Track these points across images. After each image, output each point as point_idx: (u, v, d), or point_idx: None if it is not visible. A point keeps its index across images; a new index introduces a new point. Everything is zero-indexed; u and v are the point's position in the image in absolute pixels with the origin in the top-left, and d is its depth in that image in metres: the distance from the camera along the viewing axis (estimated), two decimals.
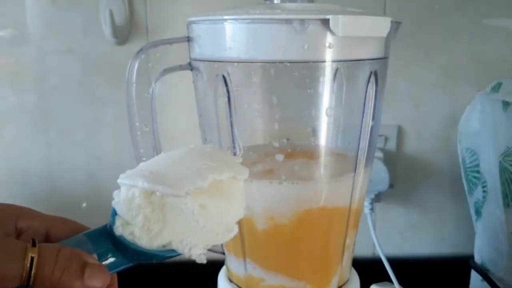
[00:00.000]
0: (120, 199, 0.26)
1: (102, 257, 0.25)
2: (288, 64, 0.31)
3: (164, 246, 0.26)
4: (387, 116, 0.62)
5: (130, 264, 0.26)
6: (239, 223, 0.29)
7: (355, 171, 0.35)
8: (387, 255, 0.56)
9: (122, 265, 0.26)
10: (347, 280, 0.39)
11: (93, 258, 0.24)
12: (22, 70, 0.62)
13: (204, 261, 0.25)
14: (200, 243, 0.26)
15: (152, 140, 0.36)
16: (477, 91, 0.57)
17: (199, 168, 0.25)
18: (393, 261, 0.56)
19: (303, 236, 0.35)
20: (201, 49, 0.34)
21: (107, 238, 0.26)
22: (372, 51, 0.33)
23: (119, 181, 0.25)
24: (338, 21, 0.29)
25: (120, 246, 0.25)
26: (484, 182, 0.56)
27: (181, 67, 0.36)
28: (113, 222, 0.25)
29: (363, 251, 0.65)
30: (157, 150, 0.37)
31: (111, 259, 0.25)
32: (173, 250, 0.26)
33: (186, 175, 0.25)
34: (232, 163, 0.27)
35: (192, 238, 0.25)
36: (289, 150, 0.34)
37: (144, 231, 0.25)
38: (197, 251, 0.25)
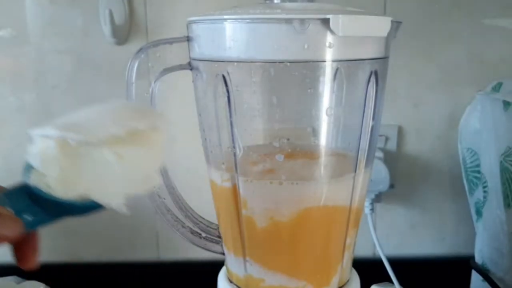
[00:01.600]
0: (34, 151, 0.25)
1: (20, 213, 0.25)
2: (288, 64, 0.31)
3: (82, 197, 0.25)
4: (387, 116, 0.62)
5: (52, 220, 0.26)
6: (239, 222, 0.29)
7: (355, 171, 0.35)
8: (388, 255, 0.56)
9: (42, 222, 0.26)
10: (348, 281, 0.39)
11: (6, 210, 0.24)
12: (22, 70, 0.62)
13: (125, 211, 0.25)
14: (120, 193, 0.25)
15: None
16: (477, 91, 0.57)
17: (115, 117, 0.25)
18: (393, 261, 0.56)
19: (303, 235, 0.35)
20: (201, 48, 0.34)
21: (24, 195, 0.25)
22: (372, 51, 0.33)
23: (31, 132, 0.25)
24: (338, 21, 0.29)
25: (37, 199, 0.25)
26: (484, 182, 0.56)
27: (181, 67, 0.36)
28: (28, 175, 0.25)
29: (363, 251, 0.65)
30: None
31: (30, 215, 0.25)
32: (92, 201, 0.25)
33: (101, 123, 0.25)
34: (152, 113, 0.27)
35: (110, 188, 0.25)
36: (289, 150, 0.34)
37: (60, 182, 0.25)
38: (116, 201, 0.25)
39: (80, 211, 0.25)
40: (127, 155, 0.25)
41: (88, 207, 0.25)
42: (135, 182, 0.26)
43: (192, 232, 0.39)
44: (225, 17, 0.32)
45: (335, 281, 0.37)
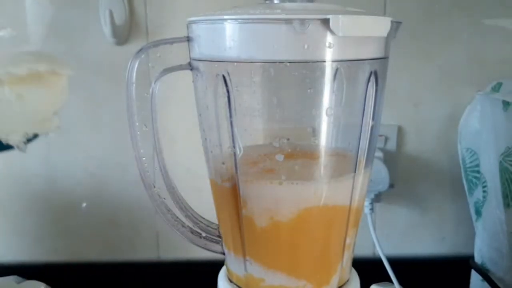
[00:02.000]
0: None
1: None
2: (288, 64, 0.31)
3: None
4: (387, 116, 0.62)
5: None
6: (239, 222, 0.29)
7: (355, 171, 0.35)
8: (387, 255, 0.56)
9: None
10: (347, 280, 0.39)
11: None
12: None
13: (24, 150, 0.27)
14: (19, 131, 0.27)
15: (152, 140, 0.36)
16: (477, 91, 0.57)
17: (15, 58, 0.27)
18: (393, 261, 0.56)
19: (303, 235, 0.35)
20: (201, 49, 0.34)
21: None
22: (372, 51, 0.33)
23: None
24: (338, 21, 0.29)
25: None
26: (484, 182, 0.56)
27: (181, 67, 0.36)
28: None
29: (363, 251, 0.65)
30: (157, 150, 0.37)
31: None
32: None
33: (2, 64, 0.26)
34: (53, 59, 0.28)
35: (10, 125, 0.27)
36: (289, 150, 0.34)
37: None
38: (15, 138, 0.27)
39: None
40: (27, 95, 0.27)
41: None
42: (34, 122, 0.28)
43: (192, 232, 0.39)
44: (225, 17, 0.32)
45: (335, 280, 0.37)
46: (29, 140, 0.28)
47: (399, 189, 0.64)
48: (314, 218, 0.35)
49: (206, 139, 0.37)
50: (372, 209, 0.60)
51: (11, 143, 0.26)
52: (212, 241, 0.40)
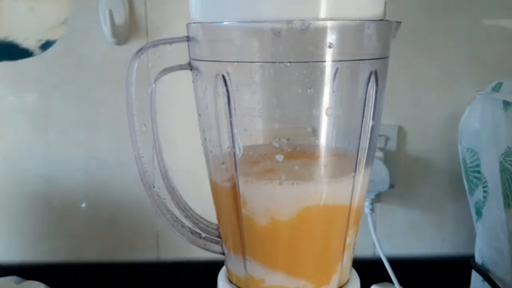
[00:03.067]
0: None
1: None
2: (288, 64, 0.31)
3: (3, 40, 0.33)
4: (387, 116, 0.62)
5: None
6: (239, 222, 0.29)
7: (355, 171, 0.35)
8: (388, 255, 0.56)
9: None
10: (348, 280, 0.39)
11: None
12: (22, 70, 0.62)
13: (38, 52, 0.36)
14: (33, 37, 0.34)
15: (151, 140, 0.36)
16: (477, 91, 0.57)
17: None
18: (393, 261, 0.56)
19: (303, 235, 0.35)
20: (201, 49, 0.34)
21: None
22: (373, 50, 0.33)
23: None
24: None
25: None
26: (484, 182, 0.56)
27: (181, 67, 0.36)
28: None
29: (363, 251, 0.65)
30: (156, 150, 0.37)
31: None
32: (11, 43, 0.33)
33: None
34: None
35: (25, 33, 0.33)
36: (289, 150, 0.34)
37: None
38: (30, 43, 0.34)
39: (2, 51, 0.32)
40: (37, 7, 0.33)
41: (7, 47, 0.33)
42: (45, 30, 0.35)
43: (192, 232, 0.39)
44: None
45: (335, 280, 0.37)
46: (43, 47, 0.36)
47: (400, 189, 0.64)
48: (314, 218, 0.35)
49: (206, 139, 0.37)
50: (372, 209, 0.59)
51: (27, 46, 0.33)
52: (212, 242, 0.40)
